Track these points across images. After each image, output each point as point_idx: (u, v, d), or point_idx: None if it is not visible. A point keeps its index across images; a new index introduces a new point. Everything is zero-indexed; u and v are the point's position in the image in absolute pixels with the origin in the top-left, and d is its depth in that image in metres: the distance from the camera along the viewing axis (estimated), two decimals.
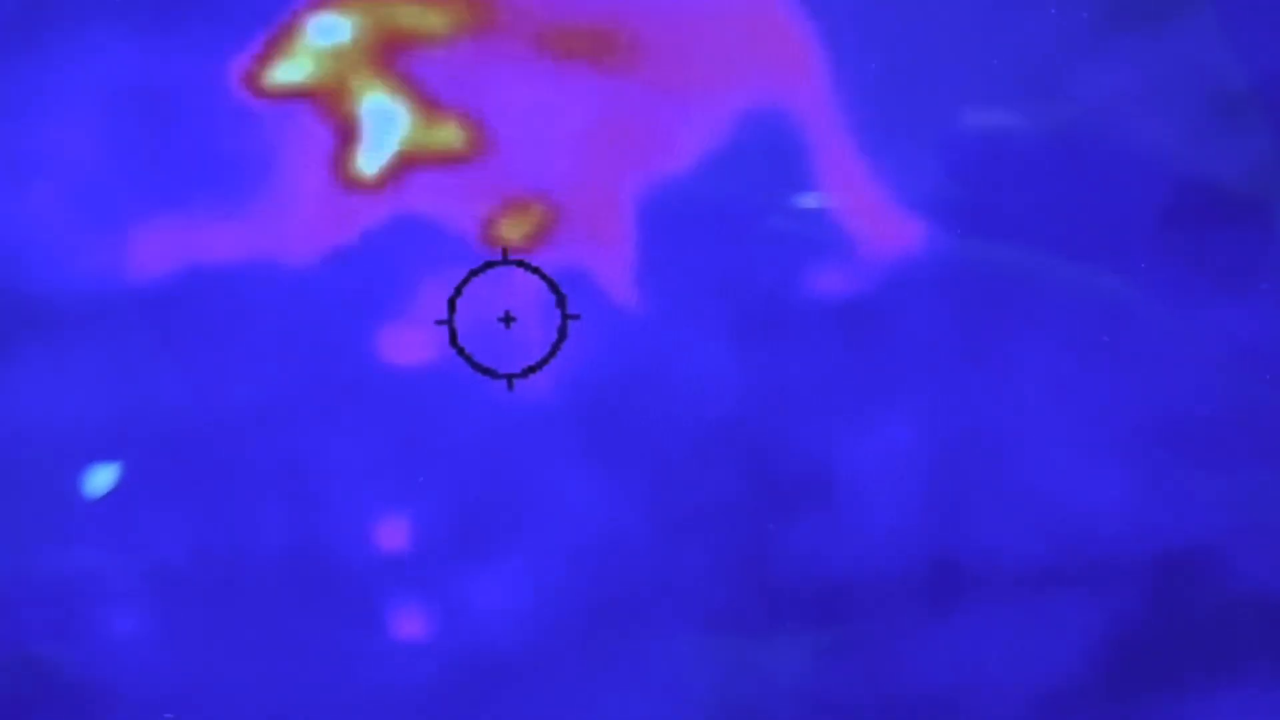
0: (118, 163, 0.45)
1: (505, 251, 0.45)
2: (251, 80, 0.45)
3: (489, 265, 0.45)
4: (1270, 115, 0.46)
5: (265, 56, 0.45)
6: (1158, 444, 0.47)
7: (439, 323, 0.45)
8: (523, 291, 0.46)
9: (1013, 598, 0.46)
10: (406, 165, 0.45)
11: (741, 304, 0.46)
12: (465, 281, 0.45)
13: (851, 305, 0.46)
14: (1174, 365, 0.46)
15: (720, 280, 0.46)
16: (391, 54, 0.45)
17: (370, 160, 0.45)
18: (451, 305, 0.45)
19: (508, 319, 0.45)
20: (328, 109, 0.45)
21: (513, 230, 0.45)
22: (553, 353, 0.45)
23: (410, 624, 0.46)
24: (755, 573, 0.46)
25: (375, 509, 0.46)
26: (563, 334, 0.45)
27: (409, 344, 0.46)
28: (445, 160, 0.45)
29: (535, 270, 0.45)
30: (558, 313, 0.45)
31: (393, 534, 0.46)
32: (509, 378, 0.45)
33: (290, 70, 0.45)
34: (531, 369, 0.45)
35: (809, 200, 0.46)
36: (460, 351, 0.45)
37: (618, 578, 0.46)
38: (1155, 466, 0.47)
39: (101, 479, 0.46)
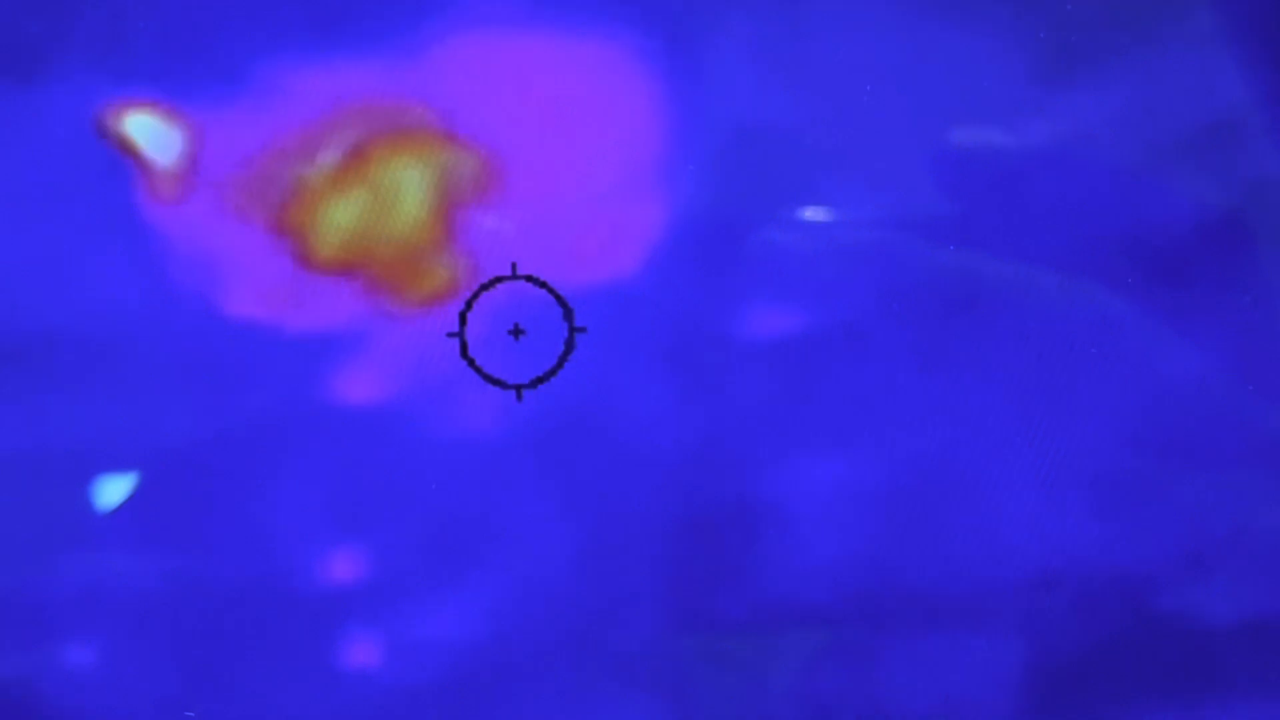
0: (76, 202, 0.47)
1: (514, 267, 0.47)
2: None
3: (498, 280, 0.47)
4: (1235, 146, 0.48)
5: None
6: (1092, 477, 0.48)
7: (450, 335, 0.47)
8: (531, 306, 0.47)
9: (946, 629, 0.48)
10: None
11: (682, 339, 0.47)
12: (475, 296, 0.47)
13: (789, 341, 0.47)
14: (1109, 401, 0.48)
15: (660, 316, 0.47)
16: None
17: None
18: (462, 319, 0.47)
19: (516, 332, 0.47)
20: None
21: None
22: (560, 364, 0.47)
23: (361, 654, 0.47)
24: (696, 604, 0.47)
25: (327, 542, 0.47)
26: (570, 346, 0.47)
27: (361, 382, 0.47)
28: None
29: (543, 285, 0.47)
30: (565, 326, 0.47)
31: (345, 566, 0.47)
32: (517, 388, 0.47)
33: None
34: (539, 380, 0.47)
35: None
36: (470, 363, 0.47)
37: (562, 609, 0.47)
38: (1090, 499, 0.48)
39: (115, 490, 0.47)
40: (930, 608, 0.47)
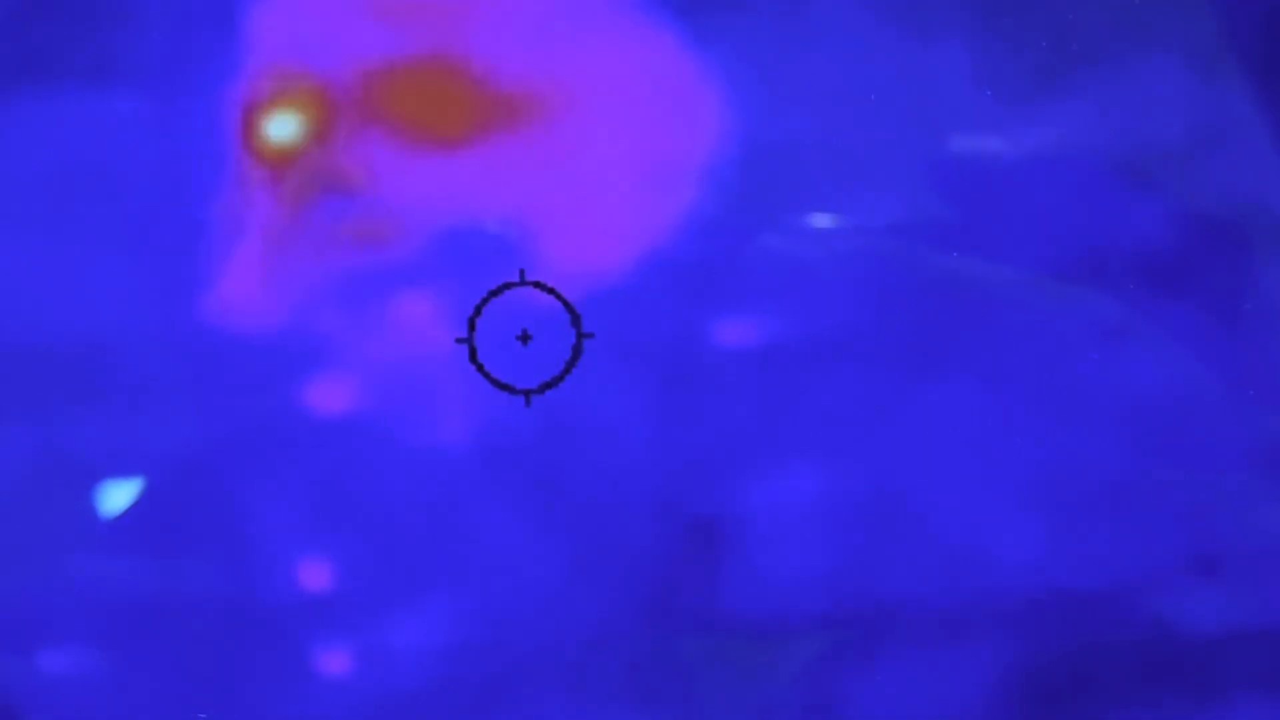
0: (60, 220, 0.47)
1: (523, 274, 0.47)
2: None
3: (507, 286, 0.47)
4: (1214, 158, 0.49)
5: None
6: (1062, 492, 0.48)
7: (459, 340, 0.47)
8: (539, 311, 0.48)
9: (922, 641, 0.48)
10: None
11: (656, 354, 0.48)
12: (485, 302, 0.47)
13: (764, 354, 0.48)
14: (1090, 411, 0.48)
15: (635, 329, 0.48)
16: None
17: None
18: (471, 324, 0.47)
19: (525, 337, 0.47)
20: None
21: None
22: (568, 370, 0.47)
23: (334, 661, 0.48)
24: (669, 616, 0.48)
25: (301, 552, 0.47)
26: (577, 352, 0.47)
27: (334, 393, 0.47)
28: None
29: (552, 291, 0.47)
30: (572, 331, 0.48)
31: (317, 576, 0.47)
32: (526, 393, 0.47)
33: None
34: (547, 385, 0.47)
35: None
36: (480, 368, 0.47)
37: (534, 619, 0.47)
38: (1060, 513, 0.48)
39: (119, 496, 0.47)
40: (913, 618, 0.48)
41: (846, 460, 0.48)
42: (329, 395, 0.47)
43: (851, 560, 0.48)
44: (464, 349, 0.47)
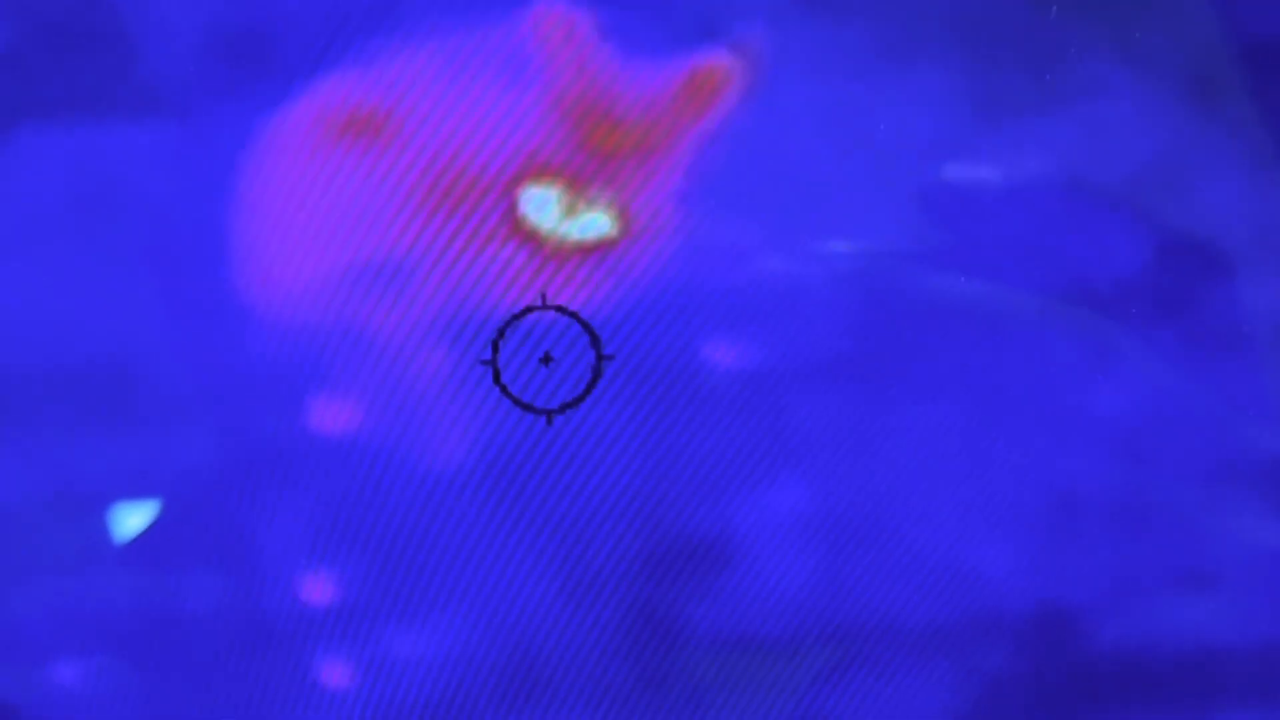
0: (64, 241, 0.48)
1: (544, 297, 0.48)
2: None
3: (529, 310, 0.48)
4: (1182, 183, 0.49)
5: None
6: (1046, 511, 0.49)
7: (483, 362, 0.49)
8: (559, 334, 0.49)
9: (907, 659, 0.49)
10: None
11: (643, 375, 0.49)
12: (507, 325, 0.48)
13: (748, 376, 0.49)
14: (1063, 436, 0.49)
15: (620, 350, 0.49)
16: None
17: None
18: (494, 347, 0.48)
19: (547, 359, 0.49)
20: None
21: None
22: (588, 390, 0.49)
23: (337, 676, 0.49)
24: (655, 635, 0.49)
25: (304, 568, 0.49)
26: (597, 373, 0.49)
27: (336, 414, 0.49)
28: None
29: (573, 315, 0.49)
30: (592, 353, 0.49)
31: (320, 591, 0.49)
32: (548, 413, 0.49)
33: None
34: (568, 405, 0.49)
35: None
36: (503, 389, 0.49)
37: (527, 636, 0.49)
38: (1043, 532, 0.49)
39: (134, 519, 0.49)
40: (899, 636, 0.49)
41: (834, 480, 0.49)
42: (334, 417, 0.48)
43: (838, 578, 0.49)
44: (473, 371, 0.48)
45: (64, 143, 0.48)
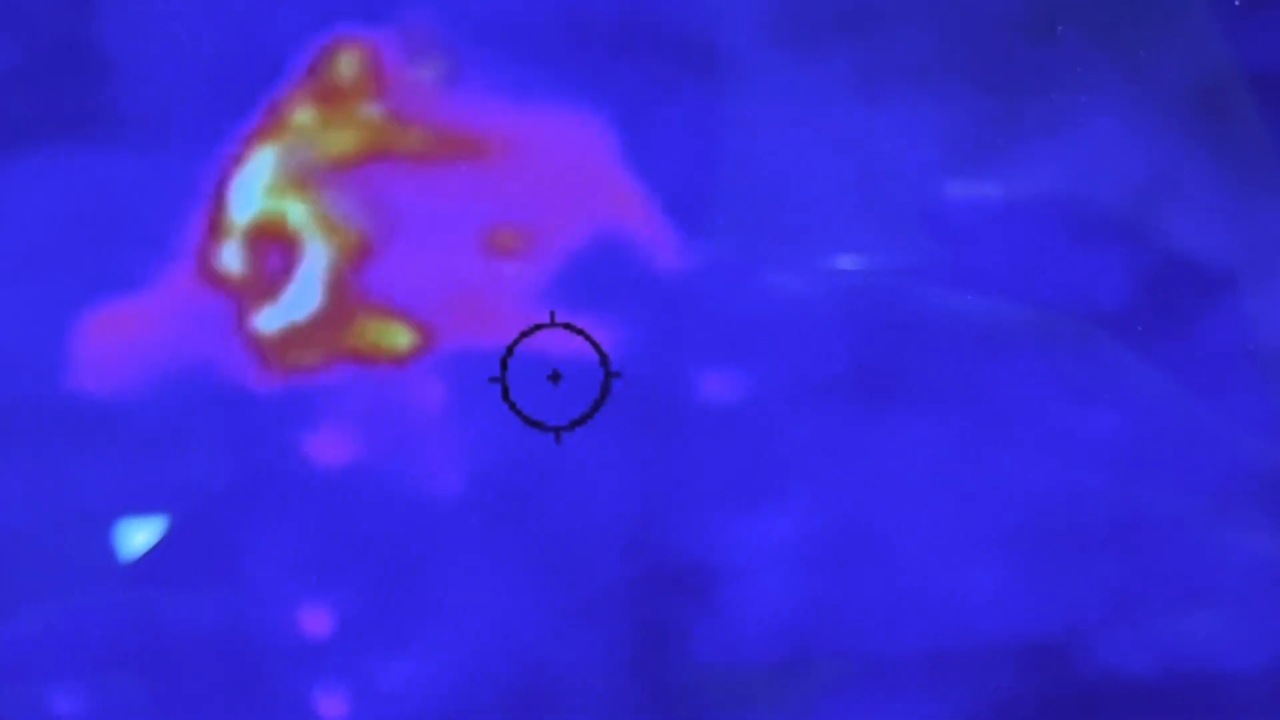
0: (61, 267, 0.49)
1: (553, 315, 0.49)
2: None
3: (538, 328, 0.49)
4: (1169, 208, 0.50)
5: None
6: (1030, 536, 0.49)
7: (492, 380, 0.49)
8: (568, 352, 0.49)
9: (895, 684, 0.49)
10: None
11: (633, 403, 0.49)
12: (516, 343, 0.49)
13: (737, 405, 0.49)
14: (1056, 458, 0.50)
15: (621, 378, 0.49)
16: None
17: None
18: (503, 365, 0.49)
19: (555, 377, 0.49)
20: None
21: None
22: (595, 408, 0.49)
23: (332, 704, 0.49)
24: (656, 658, 0.49)
25: (300, 597, 0.49)
26: (605, 391, 0.49)
27: (333, 444, 0.49)
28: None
29: (581, 333, 0.49)
30: (601, 371, 0.49)
31: (316, 620, 0.49)
32: (556, 431, 0.49)
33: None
34: (576, 423, 0.49)
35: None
36: (512, 406, 0.49)
37: (526, 661, 0.49)
38: (1033, 557, 0.50)
39: (140, 537, 0.49)
40: (887, 662, 0.49)
41: (823, 503, 0.49)
42: (328, 445, 0.49)
43: (840, 600, 0.49)
44: (473, 395, 0.49)
45: (58, 168, 0.48)
